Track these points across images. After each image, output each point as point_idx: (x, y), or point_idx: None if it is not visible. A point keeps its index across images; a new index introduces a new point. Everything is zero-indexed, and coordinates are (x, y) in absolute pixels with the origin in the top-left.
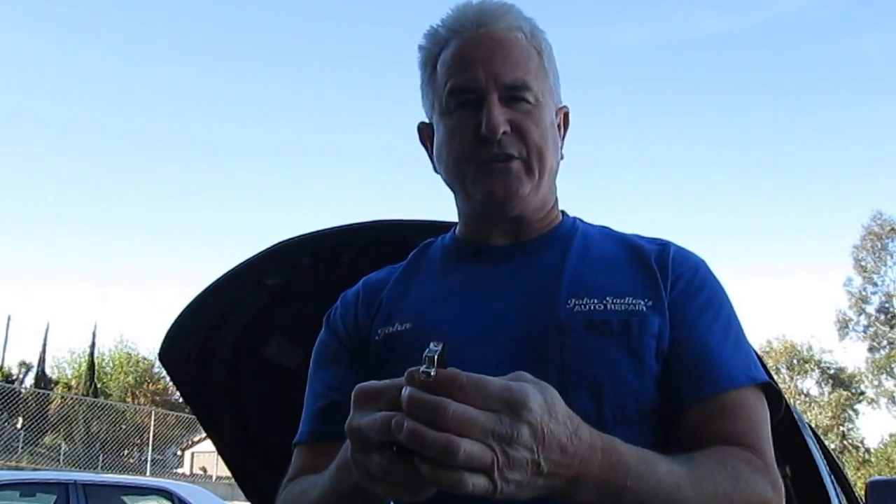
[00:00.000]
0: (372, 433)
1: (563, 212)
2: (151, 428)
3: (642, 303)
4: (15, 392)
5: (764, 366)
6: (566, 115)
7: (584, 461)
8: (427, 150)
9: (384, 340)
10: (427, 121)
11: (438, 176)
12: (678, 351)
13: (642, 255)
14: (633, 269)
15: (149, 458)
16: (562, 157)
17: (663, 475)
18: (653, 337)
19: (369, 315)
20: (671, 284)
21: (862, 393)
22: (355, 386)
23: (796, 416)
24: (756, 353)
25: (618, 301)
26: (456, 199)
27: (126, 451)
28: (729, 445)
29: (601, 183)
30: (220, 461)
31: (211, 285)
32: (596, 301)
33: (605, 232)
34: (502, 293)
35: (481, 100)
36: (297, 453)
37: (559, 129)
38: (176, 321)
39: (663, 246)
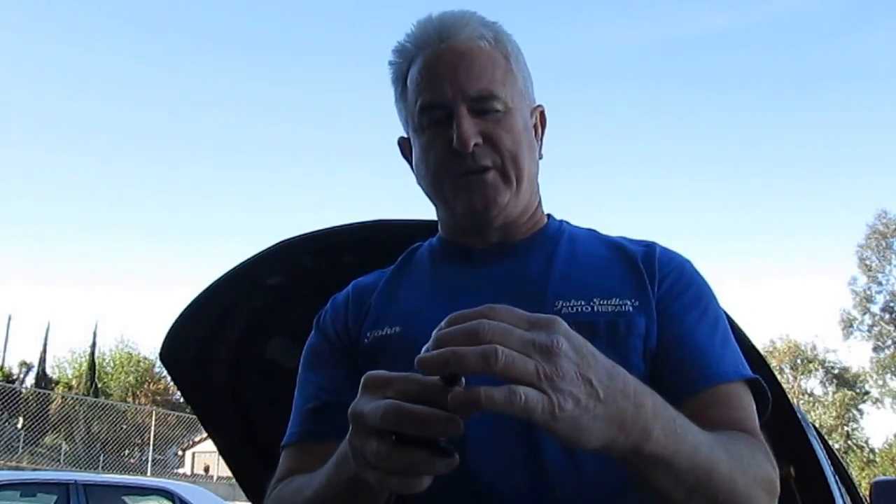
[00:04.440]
0: (373, 419)
1: (549, 215)
2: (152, 428)
3: (629, 303)
4: (15, 392)
5: (767, 366)
6: (542, 114)
7: (638, 392)
8: (409, 163)
9: (373, 343)
10: (405, 135)
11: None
12: (667, 348)
13: (629, 255)
14: (620, 270)
15: (150, 458)
16: (541, 157)
17: (699, 431)
18: (639, 337)
19: (359, 318)
20: (658, 283)
21: (866, 393)
22: (343, 386)
23: (800, 416)
24: (759, 353)
25: (605, 302)
26: (437, 211)
27: (127, 451)
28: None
29: (603, 182)
30: (221, 461)
31: (211, 285)
32: (583, 302)
33: (592, 234)
34: (490, 295)
35: (451, 114)
36: (287, 454)
37: (535, 129)
38: (177, 321)
39: (649, 246)
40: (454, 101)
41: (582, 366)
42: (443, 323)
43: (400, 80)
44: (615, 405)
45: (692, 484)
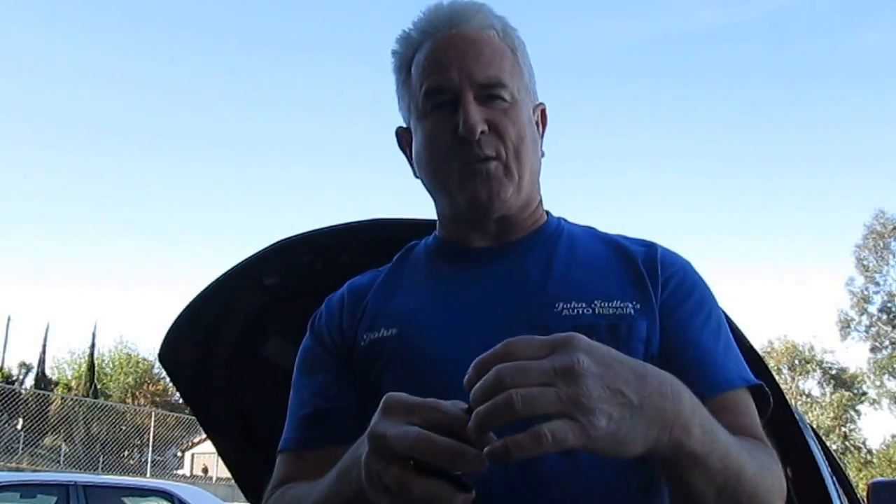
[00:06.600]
0: (400, 445)
1: (547, 212)
2: (151, 429)
3: (630, 306)
4: (15, 393)
5: (765, 367)
6: (544, 112)
7: (675, 389)
8: (406, 155)
9: (370, 346)
10: (405, 125)
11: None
12: (671, 353)
13: (629, 256)
14: (621, 272)
15: (149, 460)
16: (542, 154)
17: (727, 433)
18: (641, 341)
19: (354, 320)
20: (661, 286)
21: (864, 393)
22: (337, 391)
23: (798, 417)
24: (757, 353)
25: (606, 305)
26: (436, 202)
27: (126, 453)
28: None
29: (599, 179)
30: (220, 462)
31: (210, 285)
32: (584, 305)
33: (591, 232)
34: (489, 297)
35: (457, 100)
36: (282, 460)
37: (538, 126)
38: (175, 322)
39: (649, 247)
40: (461, 86)
41: (608, 378)
42: (470, 370)
43: (404, 69)
44: (653, 406)
45: (721, 484)
